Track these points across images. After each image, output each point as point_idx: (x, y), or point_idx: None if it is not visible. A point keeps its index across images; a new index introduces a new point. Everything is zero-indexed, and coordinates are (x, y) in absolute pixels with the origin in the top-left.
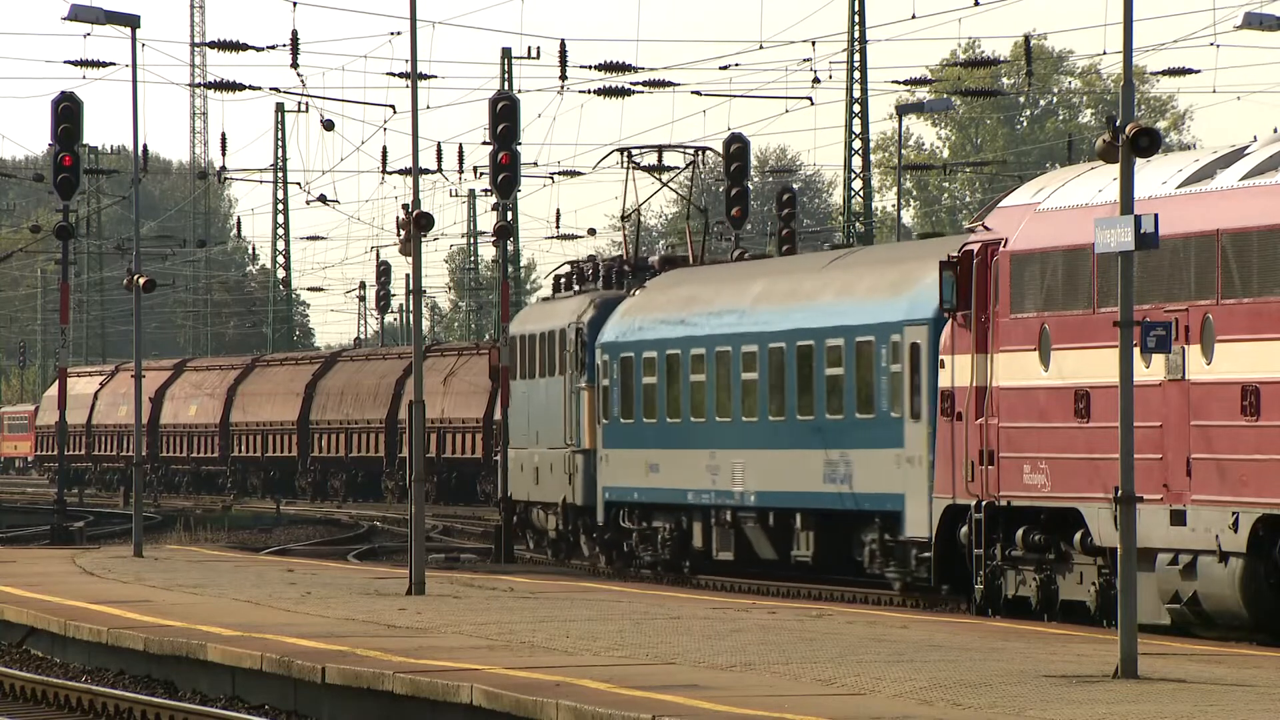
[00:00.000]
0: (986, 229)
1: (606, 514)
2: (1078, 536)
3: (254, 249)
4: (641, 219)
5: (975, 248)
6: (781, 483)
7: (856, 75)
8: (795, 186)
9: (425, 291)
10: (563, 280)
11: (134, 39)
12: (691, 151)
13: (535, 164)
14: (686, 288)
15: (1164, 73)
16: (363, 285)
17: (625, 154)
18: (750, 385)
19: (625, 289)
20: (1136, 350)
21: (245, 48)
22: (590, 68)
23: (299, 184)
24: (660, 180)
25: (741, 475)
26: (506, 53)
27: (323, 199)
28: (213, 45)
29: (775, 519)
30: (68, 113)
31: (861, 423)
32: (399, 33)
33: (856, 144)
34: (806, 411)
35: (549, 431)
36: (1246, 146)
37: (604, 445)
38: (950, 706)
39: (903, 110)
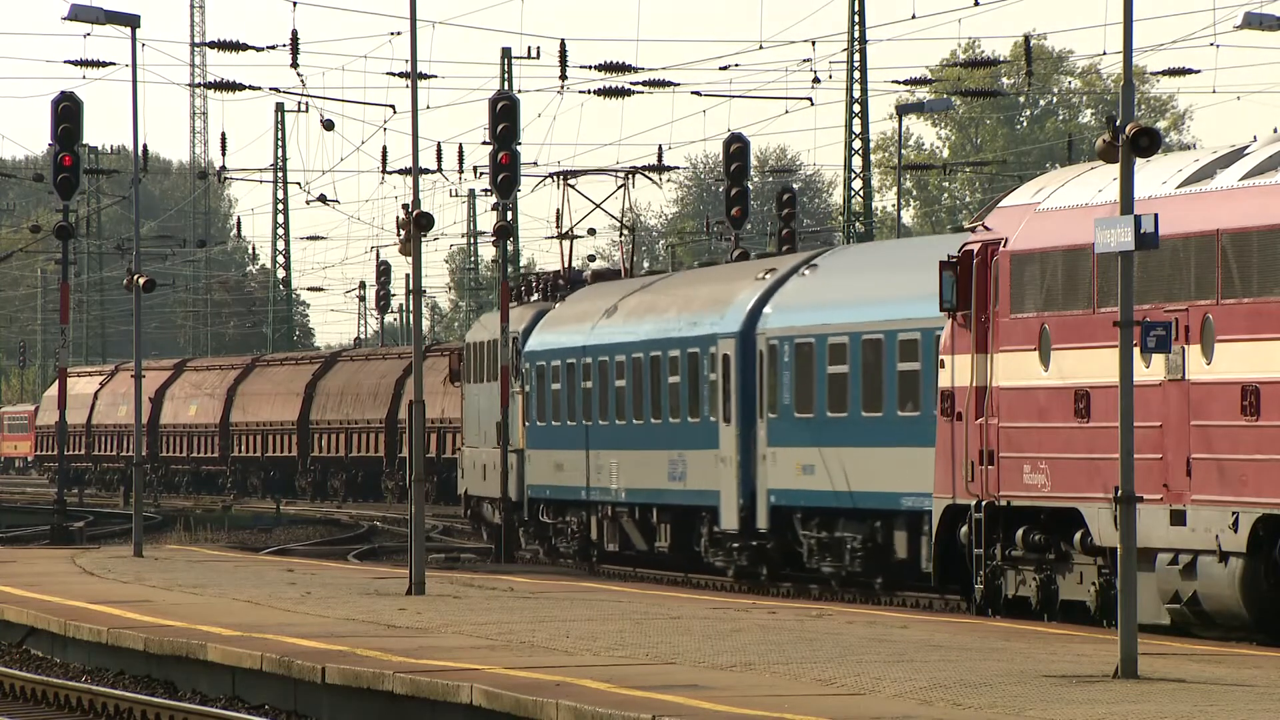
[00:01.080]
0: (986, 229)
1: (531, 509)
2: (1078, 536)
3: (254, 249)
4: (640, 219)
5: (975, 248)
6: (643, 481)
7: (856, 75)
8: (795, 186)
9: (425, 291)
10: (523, 288)
11: (134, 39)
12: (622, 175)
13: (535, 164)
14: (591, 301)
15: (1164, 73)
16: (363, 285)
17: (561, 177)
18: (620, 391)
19: (557, 302)
20: (1136, 350)
21: (245, 48)
22: (590, 68)
23: (299, 184)
24: (593, 202)
25: (616, 474)
26: (506, 53)
27: (323, 199)
28: (213, 45)
29: (640, 513)
30: (68, 113)
31: (692, 426)
32: (399, 33)
33: (856, 144)
34: (656, 415)
35: (493, 432)
36: (1246, 146)
37: (528, 446)
38: (950, 706)
39: (903, 110)
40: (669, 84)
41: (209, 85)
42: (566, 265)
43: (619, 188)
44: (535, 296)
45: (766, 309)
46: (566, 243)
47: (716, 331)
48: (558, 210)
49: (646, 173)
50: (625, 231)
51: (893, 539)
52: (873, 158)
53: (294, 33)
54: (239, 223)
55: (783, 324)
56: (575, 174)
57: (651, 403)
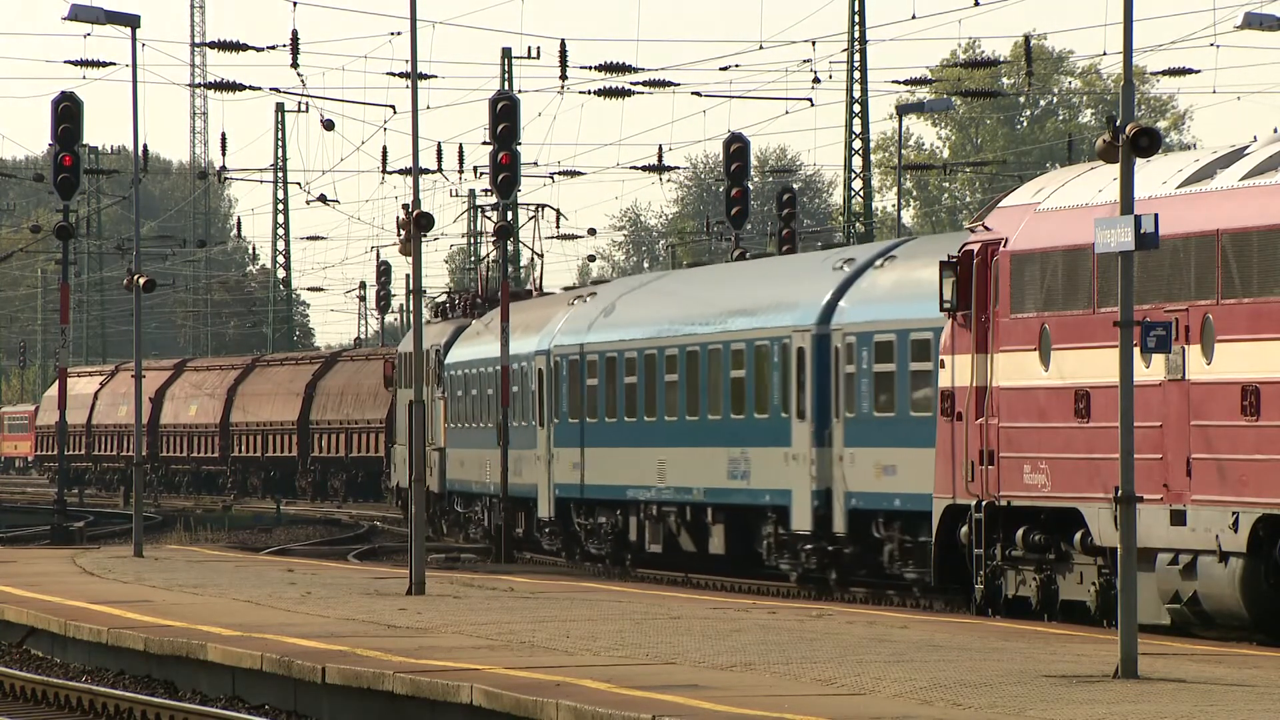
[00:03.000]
0: (986, 229)
1: (450, 499)
2: (1078, 536)
3: (254, 249)
4: (641, 219)
5: (975, 248)
6: (497, 476)
7: (856, 75)
8: (795, 187)
9: (425, 291)
10: (443, 306)
11: (134, 39)
12: (534, 208)
13: (535, 164)
14: (496, 319)
15: (1164, 73)
16: (363, 285)
17: (480, 209)
18: (491, 398)
19: (475, 318)
20: (1136, 350)
21: (245, 48)
22: (590, 68)
23: (299, 184)
24: (509, 224)
25: (488, 469)
26: (506, 53)
27: (323, 199)
28: (213, 45)
29: (486, 501)
30: (68, 113)
31: (520, 430)
32: (399, 33)
33: (856, 144)
34: (488, 420)
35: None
36: (1246, 146)
37: (448, 444)
38: (950, 706)
39: (903, 110)
40: (669, 84)
41: (209, 85)
42: (484, 286)
43: (530, 219)
44: (460, 314)
45: (843, 303)
46: (482, 266)
47: (535, 350)
48: (471, 235)
49: (556, 209)
50: (537, 257)
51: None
52: (873, 158)
53: (294, 33)
54: (239, 223)
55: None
56: (490, 206)
57: (488, 408)
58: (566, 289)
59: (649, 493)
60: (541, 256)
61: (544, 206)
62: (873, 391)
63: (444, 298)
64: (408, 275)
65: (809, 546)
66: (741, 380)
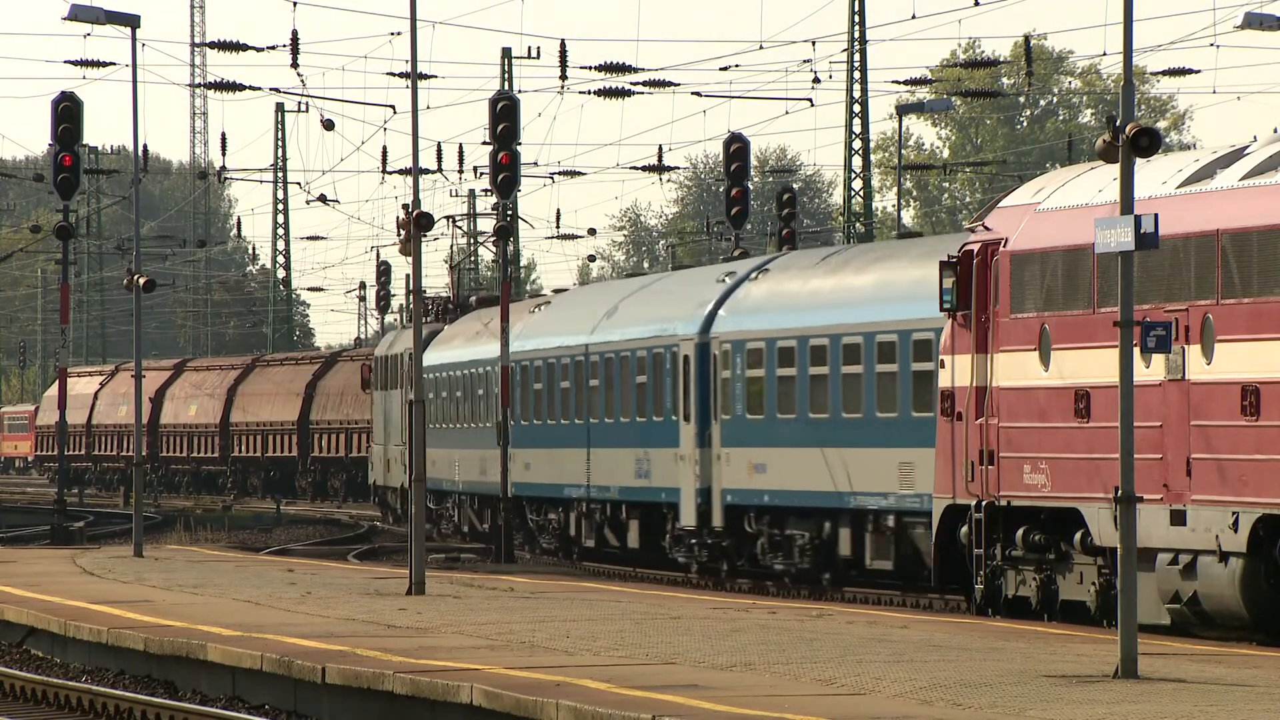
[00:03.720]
0: (986, 229)
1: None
2: (1078, 536)
3: (254, 249)
4: (641, 219)
5: (975, 248)
6: (466, 475)
7: (856, 75)
8: (795, 187)
9: (425, 291)
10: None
11: (134, 39)
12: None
13: (535, 164)
14: (467, 324)
15: (1164, 73)
16: (363, 285)
17: (450, 220)
18: (460, 400)
19: (447, 323)
20: (1136, 350)
21: (245, 48)
22: (590, 68)
23: (299, 184)
24: (508, 224)
25: (459, 468)
26: (506, 53)
27: (323, 199)
28: (213, 45)
29: (456, 498)
30: (68, 113)
31: (477, 430)
32: (399, 33)
33: (856, 144)
34: (468, 421)
35: (395, 432)
36: (1246, 146)
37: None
38: (950, 706)
39: (903, 110)
40: (669, 84)
41: (209, 85)
42: (455, 293)
43: (491, 239)
44: (433, 319)
45: None
46: (454, 273)
47: (493, 357)
48: (455, 238)
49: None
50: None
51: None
52: (873, 158)
53: (294, 33)
54: (239, 223)
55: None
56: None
57: (460, 408)
58: (533, 296)
59: (580, 490)
60: (509, 278)
61: (505, 229)
62: (745, 395)
63: (398, 308)
64: (408, 275)
65: (693, 541)
66: (644, 385)
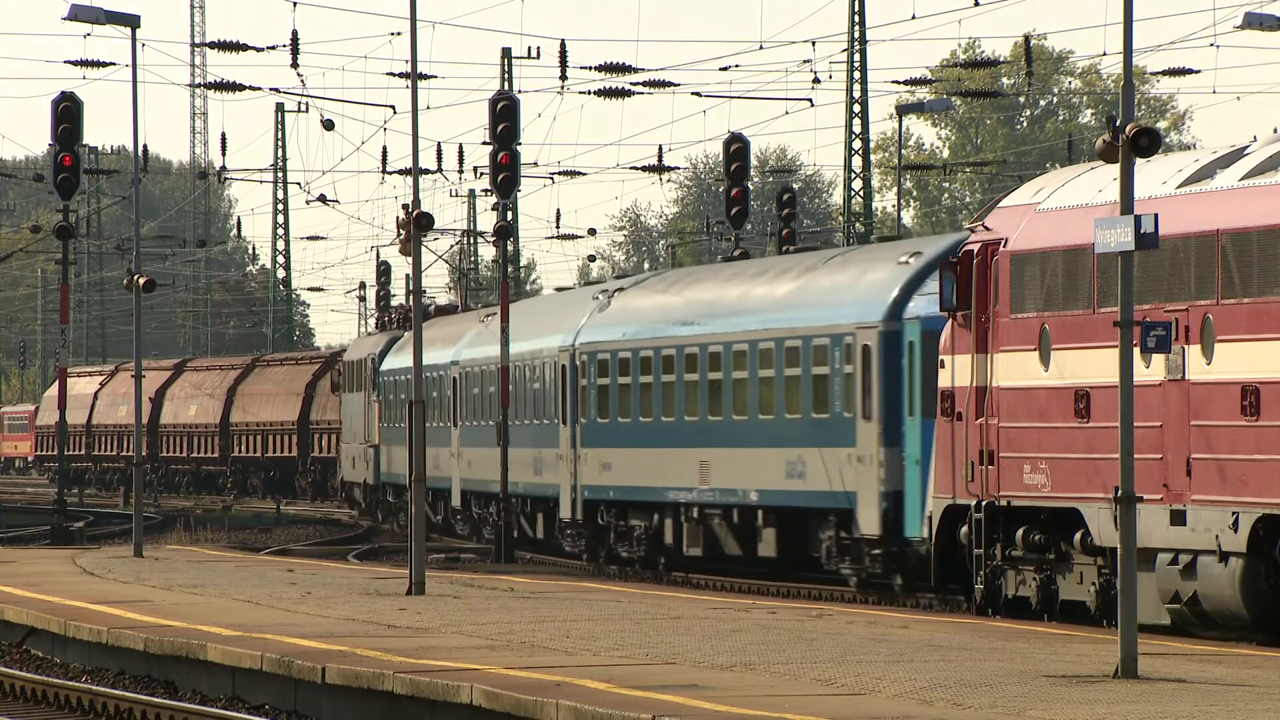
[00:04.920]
0: (986, 229)
1: (384, 491)
2: (1078, 536)
3: (254, 249)
4: (641, 219)
5: (975, 248)
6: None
7: (856, 75)
8: (795, 187)
9: (425, 291)
10: (381, 320)
11: (134, 39)
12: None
13: (535, 164)
14: (430, 330)
15: (1164, 73)
16: (363, 285)
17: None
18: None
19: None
20: (1136, 350)
21: (245, 48)
22: (590, 68)
23: (299, 184)
24: (508, 224)
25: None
26: (506, 53)
27: (323, 199)
28: (213, 45)
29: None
30: (68, 113)
31: (439, 430)
32: (399, 33)
33: (856, 144)
34: (400, 420)
35: (359, 431)
36: (1246, 146)
37: (383, 442)
38: (950, 706)
39: (903, 110)
40: (669, 84)
41: (209, 85)
42: (462, 298)
43: (454, 246)
44: (395, 327)
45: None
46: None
47: (450, 360)
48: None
49: (487, 237)
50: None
51: None
52: (873, 158)
53: (294, 33)
54: (239, 223)
55: None
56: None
57: (400, 411)
58: (484, 307)
59: (518, 488)
60: (480, 287)
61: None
62: (599, 402)
63: (375, 314)
64: (408, 275)
65: (569, 531)
66: (539, 391)
